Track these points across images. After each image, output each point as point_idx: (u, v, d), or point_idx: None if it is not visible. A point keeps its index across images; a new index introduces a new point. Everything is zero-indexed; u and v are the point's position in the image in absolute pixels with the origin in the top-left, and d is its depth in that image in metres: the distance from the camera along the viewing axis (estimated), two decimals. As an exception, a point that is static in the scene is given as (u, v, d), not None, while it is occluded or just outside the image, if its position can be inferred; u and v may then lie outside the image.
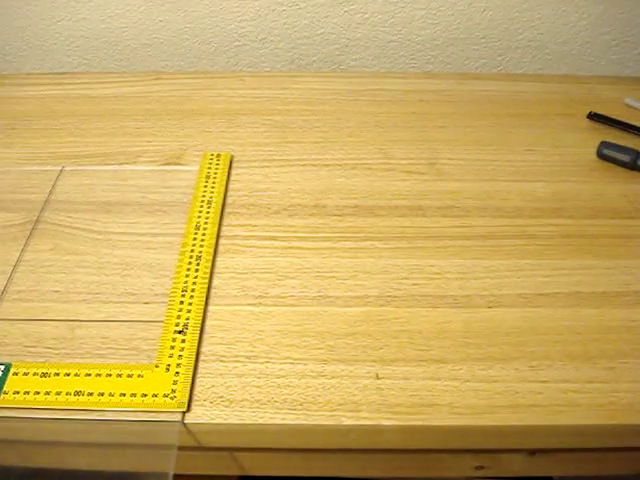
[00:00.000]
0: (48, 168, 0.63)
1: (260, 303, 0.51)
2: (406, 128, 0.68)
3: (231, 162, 0.64)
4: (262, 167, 0.63)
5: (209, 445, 0.47)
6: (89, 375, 0.46)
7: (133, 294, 0.52)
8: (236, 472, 0.53)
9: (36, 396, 0.45)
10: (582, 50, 0.77)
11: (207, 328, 0.50)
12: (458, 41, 0.77)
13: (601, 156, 0.64)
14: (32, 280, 0.53)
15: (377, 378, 0.46)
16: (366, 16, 0.75)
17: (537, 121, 0.69)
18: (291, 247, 0.56)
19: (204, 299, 0.51)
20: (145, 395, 0.45)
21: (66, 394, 0.45)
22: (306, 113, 0.69)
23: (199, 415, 0.45)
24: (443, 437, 0.45)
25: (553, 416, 0.44)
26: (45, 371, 0.46)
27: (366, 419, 0.44)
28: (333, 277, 0.53)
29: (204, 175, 0.62)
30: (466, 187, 0.61)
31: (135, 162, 0.64)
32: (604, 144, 0.64)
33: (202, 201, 0.59)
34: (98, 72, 0.79)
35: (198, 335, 0.49)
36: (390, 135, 0.67)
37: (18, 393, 0.45)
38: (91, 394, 0.45)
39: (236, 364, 0.48)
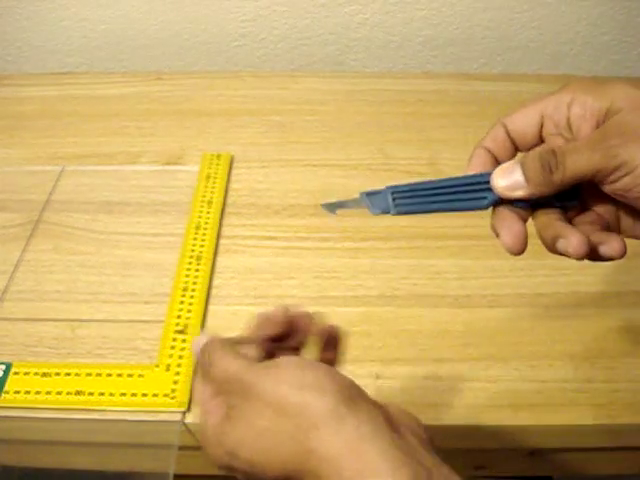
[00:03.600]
0: (49, 168, 0.63)
1: (260, 303, 0.51)
2: (406, 128, 0.68)
3: (231, 162, 0.64)
4: (262, 167, 0.63)
5: (209, 445, 0.47)
6: (90, 375, 0.46)
7: (134, 294, 0.52)
8: (236, 472, 0.53)
9: (37, 396, 0.45)
10: (582, 50, 0.77)
11: (207, 328, 0.50)
12: (458, 41, 0.77)
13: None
14: (33, 280, 0.53)
15: (377, 378, 0.46)
16: (366, 16, 0.75)
17: (537, 121, 0.69)
18: (291, 247, 0.56)
19: (204, 299, 0.51)
20: (145, 395, 0.45)
21: (67, 394, 0.45)
22: (306, 113, 0.69)
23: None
24: (443, 437, 0.45)
25: (553, 416, 0.44)
26: (46, 371, 0.46)
27: (366, 419, 0.44)
28: (333, 277, 0.53)
29: (204, 175, 0.62)
30: (466, 187, 0.61)
31: (136, 162, 0.64)
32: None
33: (202, 201, 0.59)
34: (99, 72, 0.79)
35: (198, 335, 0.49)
36: (390, 135, 0.67)
37: (19, 393, 0.45)
38: (92, 394, 0.45)
39: (236, 364, 0.48)
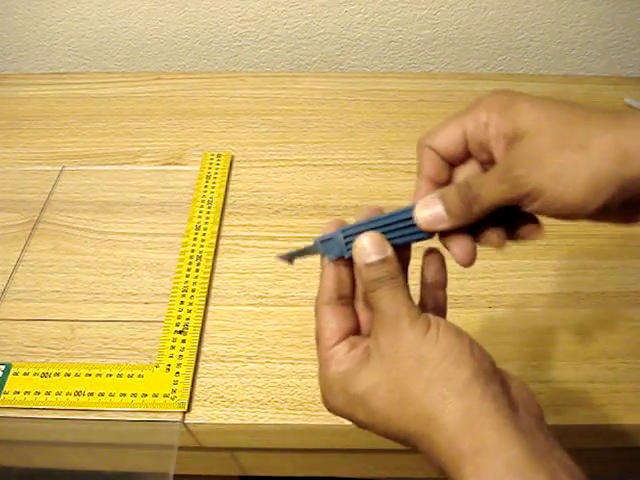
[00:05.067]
0: (48, 168, 0.63)
1: (260, 303, 0.51)
2: (406, 128, 0.68)
3: (231, 162, 0.64)
4: (262, 167, 0.63)
5: (209, 445, 0.47)
6: (89, 375, 0.46)
7: (133, 294, 0.52)
8: (236, 472, 0.53)
9: (36, 396, 0.45)
10: (582, 50, 0.77)
11: (207, 328, 0.50)
12: (458, 41, 0.77)
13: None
14: (32, 280, 0.53)
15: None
16: (366, 16, 0.75)
17: (537, 121, 0.69)
18: (291, 247, 0.56)
19: (204, 299, 0.51)
20: (145, 395, 0.45)
21: (66, 394, 0.45)
22: (306, 113, 0.69)
23: (199, 415, 0.45)
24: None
25: (553, 416, 0.44)
26: (45, 371, 0.46)
27: (366, 419, 0.44)
28: (333, 277, 0.53)
29: (204, 175, 0.62)
30: (466, 187, 0.61)
31: (135, 162, 0.64)
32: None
33: (202, 201, 0.59)
34: (98, 72, 0.79)
35: (198, 335, 0.49)
36: (390, 135, 0.67)
37: (18, 393, 0.45)
38: (91, 394, 0.45)
39: (236, 364, 0.48)
